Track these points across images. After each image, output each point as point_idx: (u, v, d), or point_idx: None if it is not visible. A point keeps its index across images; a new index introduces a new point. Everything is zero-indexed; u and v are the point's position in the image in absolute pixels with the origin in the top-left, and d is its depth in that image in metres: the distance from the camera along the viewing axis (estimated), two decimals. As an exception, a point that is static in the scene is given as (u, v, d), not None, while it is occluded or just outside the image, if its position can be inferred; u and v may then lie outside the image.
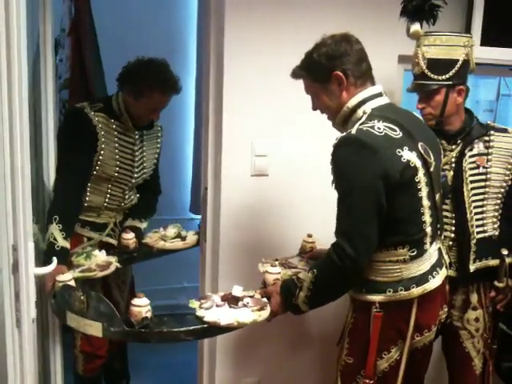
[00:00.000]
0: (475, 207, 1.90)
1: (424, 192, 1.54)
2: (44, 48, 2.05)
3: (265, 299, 1.69)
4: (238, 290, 1.69)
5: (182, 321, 1.63)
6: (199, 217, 2.44)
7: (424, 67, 1.85)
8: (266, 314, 1.63)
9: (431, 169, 1.58)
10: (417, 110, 1.89)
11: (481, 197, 1.91)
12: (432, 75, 1.84)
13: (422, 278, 1.58)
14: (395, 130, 1.50)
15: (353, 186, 1.49)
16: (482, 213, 1.91)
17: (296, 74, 1.65)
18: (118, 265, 2.09)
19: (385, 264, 1.57)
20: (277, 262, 1.87)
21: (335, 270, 1.52)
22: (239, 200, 2.16)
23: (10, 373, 1.29)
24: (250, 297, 1.68)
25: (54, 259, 1.62)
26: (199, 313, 1.62)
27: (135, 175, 2.33)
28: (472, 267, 1.90)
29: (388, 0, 2.03)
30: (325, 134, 1.69)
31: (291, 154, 2.17)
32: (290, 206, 2.20)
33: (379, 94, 1.61)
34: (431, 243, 1.61)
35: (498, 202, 1.93)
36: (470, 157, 1.90)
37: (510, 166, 1.92)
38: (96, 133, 2.14)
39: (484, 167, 1.91)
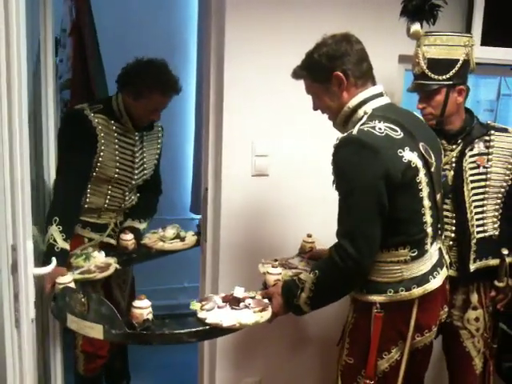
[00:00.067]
0: (475, 207, 1.90)
1: (425, 192, 1.54)
2: (44, 48, 2.05)
3: (266, 300, 1.68)
4: (239, 291, 1.68)
5: (184, 322, 1.62)
6: (199, 217, 2.44)
7: (424, 67, 1.84)
8: (267, 315, 1.63)
9: (432, 169, 1.58)
10: (417, 109, 1.89)
11: (481, 196, 1.91)
12: (432, 75, 1.84)
13: (423, 279, 1.58)
14: (396, 131, 1.50)
15: (354, 186, 1.48)
16: (482, 212, 1.91)
17: (297, 74, 1.65)
18: (118, 266, 2.09)
19: (386, 264, 1.57)
20: (277, 263, 1.86)
21: (337, 271, 1.52)
22: (239, 200, 2.15)
23: (10, 373, 1.28)
24: (252, 298, 1.67)
25: (54, 259, 1.62)
26: (201, 314, 1.62)
27: (135, 176, 2.32)
28: (472, 267, 1.90)
29: (388, 0, 2.03)
30: (325, 134, 1.70)
31: (292, 153, 2.17)
32: (291, 206, 2.20)
33: (380, 94, 1.61)
34: (432, 243, 1.61)
35: (499, 201, 1.93)
36: (471, 156, 1.90)
37: (510, 166, 1.92)
38: (96, 134, 2.13)
39: (484, 167, 1.91)
